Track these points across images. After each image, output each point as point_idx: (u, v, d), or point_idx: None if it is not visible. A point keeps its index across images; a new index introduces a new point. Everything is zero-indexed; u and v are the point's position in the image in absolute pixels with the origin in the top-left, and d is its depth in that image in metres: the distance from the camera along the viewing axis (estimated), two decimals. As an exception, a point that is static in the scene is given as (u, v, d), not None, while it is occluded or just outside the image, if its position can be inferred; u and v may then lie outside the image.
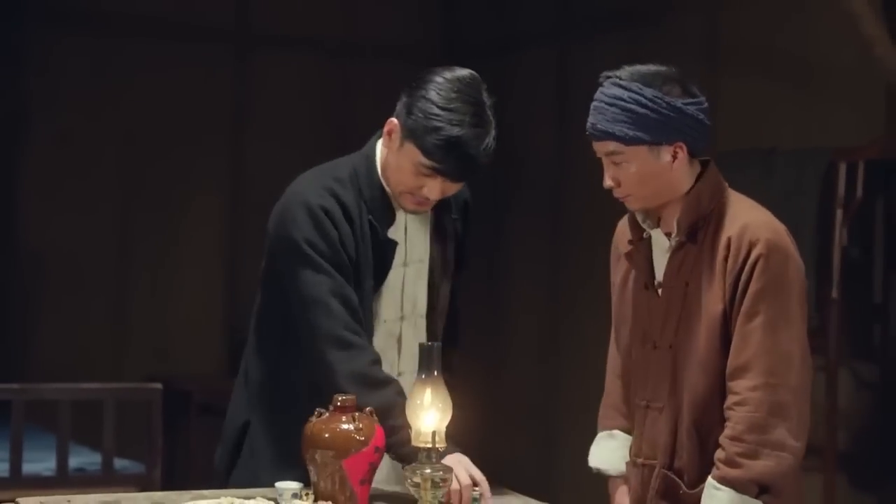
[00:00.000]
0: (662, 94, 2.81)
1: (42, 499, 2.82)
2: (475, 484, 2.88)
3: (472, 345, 7.79)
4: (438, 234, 3.19)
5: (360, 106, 7.50)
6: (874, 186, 5.39)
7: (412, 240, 3.15)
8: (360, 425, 2.79)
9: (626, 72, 2.85)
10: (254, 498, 2.76)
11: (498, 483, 3.16)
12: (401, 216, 3.13)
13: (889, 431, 5.48)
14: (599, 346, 6.84)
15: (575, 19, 7.33)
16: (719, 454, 2.73)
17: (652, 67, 2.87)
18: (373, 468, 2.81)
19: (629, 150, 2.81)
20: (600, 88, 2.87)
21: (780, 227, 2.85)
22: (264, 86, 7.91)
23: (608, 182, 2.87)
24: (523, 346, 7.67)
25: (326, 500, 2.80)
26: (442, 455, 2.68)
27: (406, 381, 3.05)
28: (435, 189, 3.00)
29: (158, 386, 5.53)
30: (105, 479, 5.36)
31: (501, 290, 7.83)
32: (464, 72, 3.02)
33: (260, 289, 3.22)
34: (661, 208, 2.89)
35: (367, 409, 2.85)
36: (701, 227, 2.83)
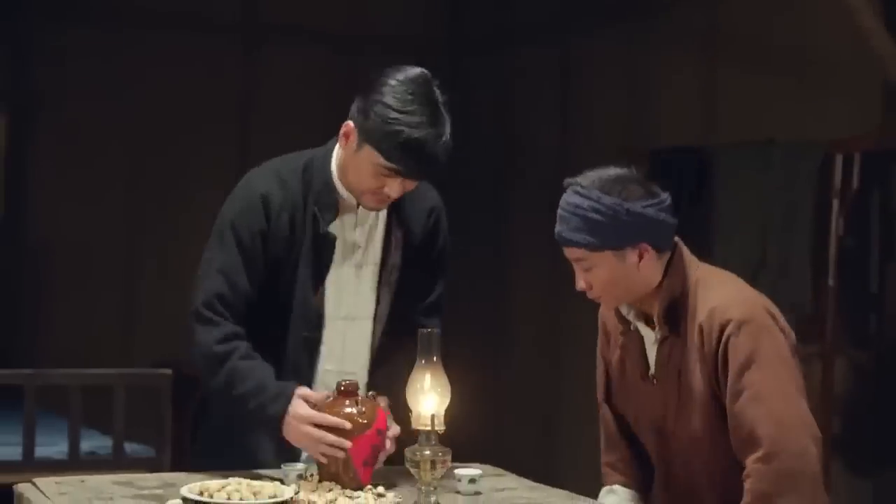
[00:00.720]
0: (622, 199, 2.85)
1: (57, 479, 2.89)
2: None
3: (475, 333, 7.89)
4: (387, 240, 3.22)
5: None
6: (870, 177, 5.46)
7: (364, 242, 3.19)
8: (364, 409, 2.89)
9: (586, 178, 2.91)
10: (260, 479, 2.83)
11: (498, 466, 3.26)
12: (361, 218, 3.17)
13: (884, 417, 5.54)
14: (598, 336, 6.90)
15: (577, 12, 7.38)
16: None
17: (612, 172, 2.92)
18: (375, 450, 2.90)
19: (594, 256, 2.87)
20: (564, 195, 2.93)
21: (749, 300, 2.89)
22: (270, 77, 7.98)
23: (580, 285, 2.94)
24: (525, 335, 7.74)
25: (330, 482, 2.90)
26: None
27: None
28: (395, 187, 3.05)
29: (168, 371, 5.61)
30: (116, 463, 5.44)
31: (504, 280, 7.89)
32: (415, 71, 3.06)
33: None
34: (639, 303, 2.96)
35: (370, 392, 2.95)
36: (679, 315, 2.89)
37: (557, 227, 2.92)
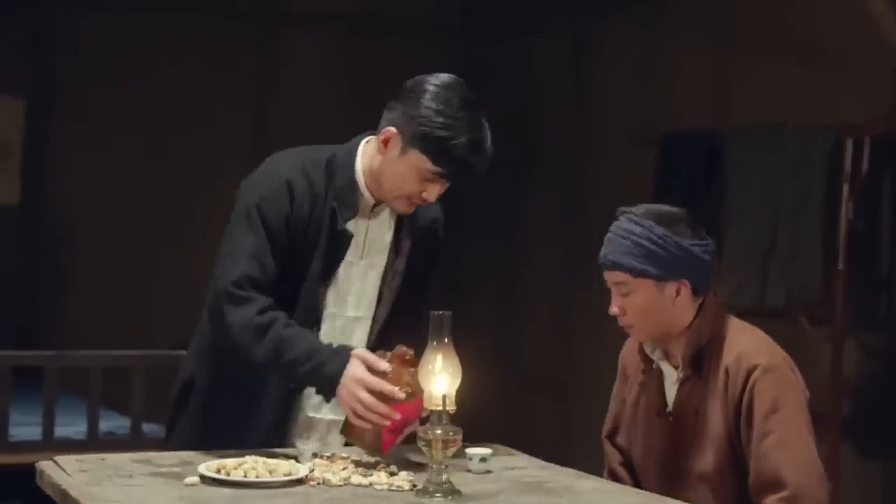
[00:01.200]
0: (672, 233, 2.98)
1: (78, 457, 2.95)
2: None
3: (490, 312, 7.96)
4: (396, 246, 3.26)
5: (379, 79, 7.61)
6: (880, 161, 5.49)
7: (374, 244, 3.22)
8: (411, 380, 2.88)
9: (641, 209, 3.04)
10: (276, 458, 2.90)
11: (512, 446, 3.31)
12: (375, 222, 3.21)
13: (894, 399, 5.59)
14: (616, 317, 6.92)
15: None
16: None
17: (665, 207, 3.06)
18: (406, 423, 2.93)
19: (636, 282, 3.00)
20: (615, 221, 3.05)
21: (774, 350, 3.02)
22: (286, 60, 8.04)
23: (614, 310, 3.06)
24: (540, 314, 7.80)
25: (354, 435, 2.95)
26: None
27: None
28: (435, 191, 3.10)
29: (185, 353, 5.67)
30: (133, 443, 5.52)
31: (519, 260, 7.93)
32: (449, 77, 3.09)
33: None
34: (665, 340, 3.08)
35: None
36: (704, 358, 3.02)
37: (604, 250, 3.04)
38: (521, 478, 2.95)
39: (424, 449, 2.69)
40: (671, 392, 3.09)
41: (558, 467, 3.08)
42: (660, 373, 3.12)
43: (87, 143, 7.60)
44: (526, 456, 3.20)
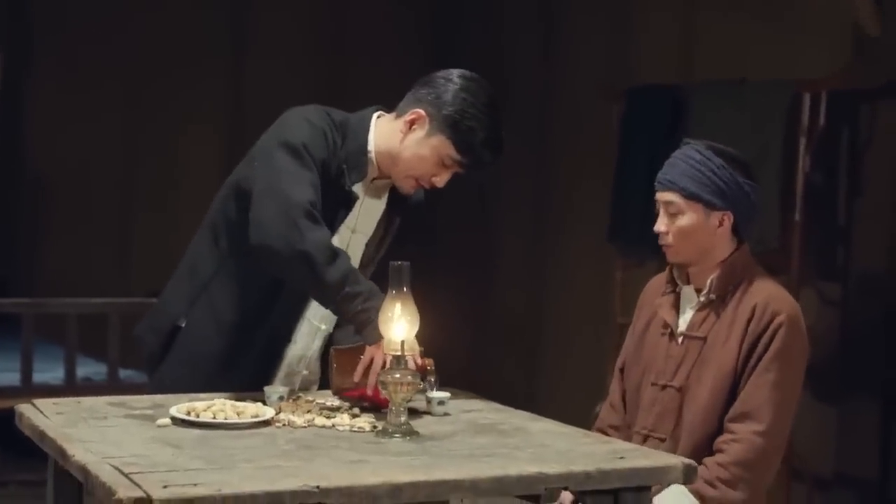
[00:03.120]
0: (729, 167, 3.18)
1: (55, 400, 3.05)
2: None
3: (460, 265, 8.06)
4: (387, 223, 3.38)
5: (353, 29, 7.68)
6: (837, 116, 5.62)
7: (367, 216, 3.32)
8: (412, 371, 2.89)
9: (704, 143, 3.23)
10: (244, 401, 3.02)
11: (478, 394, 3.44)
12: (372, 194, 3.29)
13: (848, 347, 5.75)
14: (581, 267, 7.04)
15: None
16: (702, 472, 3.07)
17: (726, 147, 3.24)
18: (371, 401, 3.06)
19: (686, 204, 3.20)
20: (680, 149, 3.25)
21: (797, 305, 3.24)
22: (262, 8, 8.08)
23: (660, 227, 3.25)
24: (509, 265, 7.90)
25: (343, 368, 3.09)
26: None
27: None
28: (446, 178, 3.21)
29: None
30: (110, 388, 5.61)
31: (489, 211, 8.03)
32: (474, 74, 3.20)
33: (230, 191, 3.32)
34: (693, 270, 3.28)
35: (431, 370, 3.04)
36: (732, 291, 3.23)
37: (662, 172, 3.24)
38: (477, 420, 3.06)
39: (384, 392, 2.82)
40: (686, 314, 3.29)
41: (513, 410, 3.19)
42: (678, 296, 3.32)
43: (65, 93, 7.66)
44: (484, 400, 3.30)
